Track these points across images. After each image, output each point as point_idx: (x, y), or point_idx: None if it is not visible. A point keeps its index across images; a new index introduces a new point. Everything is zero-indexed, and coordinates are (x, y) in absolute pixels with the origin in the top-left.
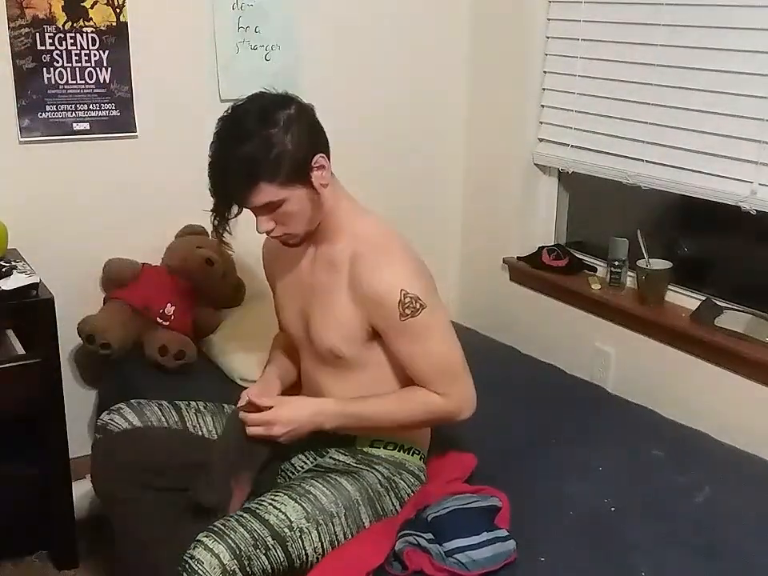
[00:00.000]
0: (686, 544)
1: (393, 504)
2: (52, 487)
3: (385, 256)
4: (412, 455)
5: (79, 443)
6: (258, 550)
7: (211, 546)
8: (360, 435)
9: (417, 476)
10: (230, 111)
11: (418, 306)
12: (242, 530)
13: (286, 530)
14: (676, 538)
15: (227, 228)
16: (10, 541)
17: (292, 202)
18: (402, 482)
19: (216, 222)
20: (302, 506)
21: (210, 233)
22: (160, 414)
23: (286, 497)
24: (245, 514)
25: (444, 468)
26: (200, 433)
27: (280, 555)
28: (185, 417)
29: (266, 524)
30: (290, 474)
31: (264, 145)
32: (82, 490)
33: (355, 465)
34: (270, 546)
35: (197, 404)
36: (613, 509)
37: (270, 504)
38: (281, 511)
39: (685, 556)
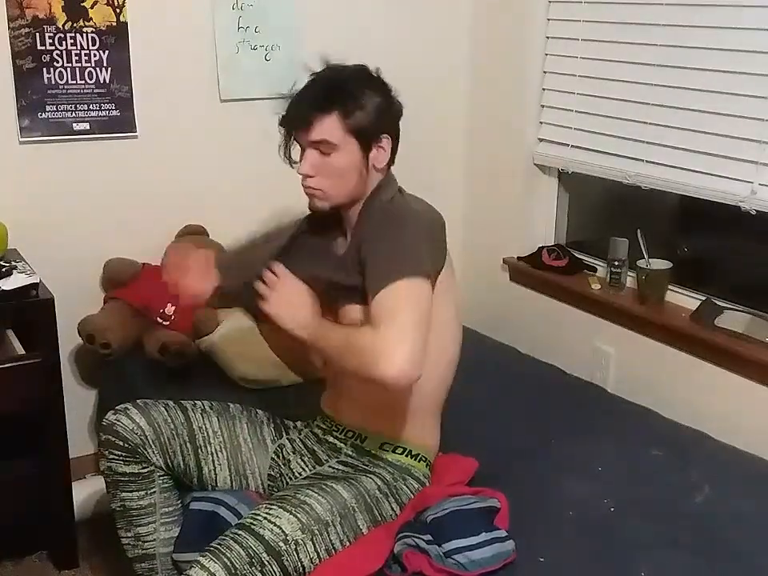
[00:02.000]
0: (685, 544)
1: (392, 509)
2: (52, 487)
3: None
4: (419, 461)
5: (79, 443)
6: (253, 567)
7: (207, 566)
8: (371, 436)
9: (421, 482)
10: (334, 63)
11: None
12: (237, 547)
13: (281, 543)
14: (676, 538)
15: (289, 154)
16: (10, 541)
17: (342, 156)
18: (405, 487)
19: (282, 149)
20: (297, 518)
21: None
22: (166, 414)
23: (281, 509)
24: (240, 531)
25: (445, 471)
26: (206, 434)
27: (276, 570)
28: (191, 418)
29: (261, 539)
30: (288, 480)
31: (355, 89)
32: (81, 490)
33: (353, 473)
34: (265, 561)
35: (202, 404)
36: (612, 509)
37: (265, 518)
38: (275, 524)
39: (684, 556)
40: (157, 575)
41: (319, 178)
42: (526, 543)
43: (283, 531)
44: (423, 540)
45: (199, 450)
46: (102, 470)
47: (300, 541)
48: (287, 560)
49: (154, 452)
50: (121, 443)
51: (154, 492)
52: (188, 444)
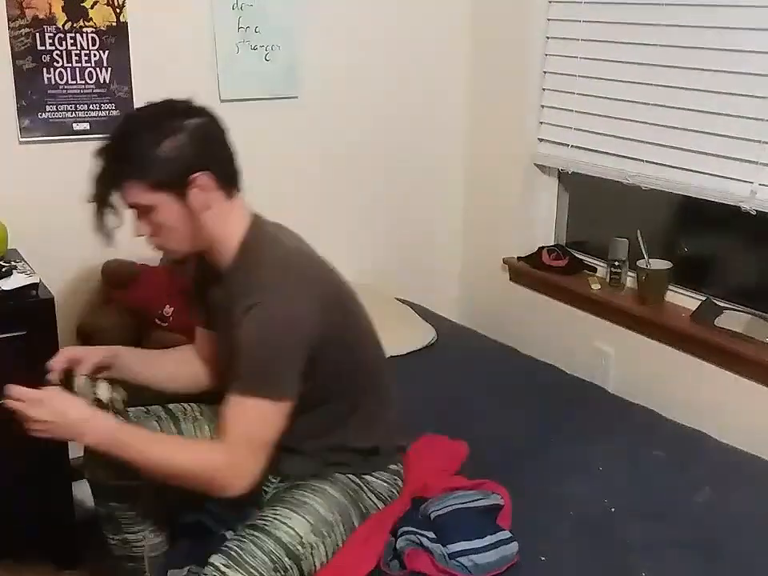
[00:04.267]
0: (686, 544)
1: (371, 500)
2: (52, 487)
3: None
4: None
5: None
6: (277, 573)
7: None
8: None
9: (387, 468)
10: (128, 113)
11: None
12: (260, 554)
13: (299, 547)
14: (676, 538)
15: (107, 231)
16: (10, 541)
17: (162, 212)
18: (372, 478)
19: (95, 217)
20: (306, 519)
21: None
22: (159, 429)
23: (288, 510)
24: (257, 534)
25: (431, 454)
26: None
27: (296, 575)
28: (182, 429)
29: (280, 543)
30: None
31: (141, 143)
32: (81, 490)
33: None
34: (287, 566)
35: (193, 411)
36: (613, 509)
37: (276, 519)
38: (288, 526)
39: (685, 556)
40: (144, 573)
41: (154, 237)
42: (527, 543)
43: (298, 534)
44: (427, 537)
45: None
46: (87, 478)
47: (314, 544)
48: (305, 564)
49: None
50: (109, 459)
51: (142, 503)
52: None
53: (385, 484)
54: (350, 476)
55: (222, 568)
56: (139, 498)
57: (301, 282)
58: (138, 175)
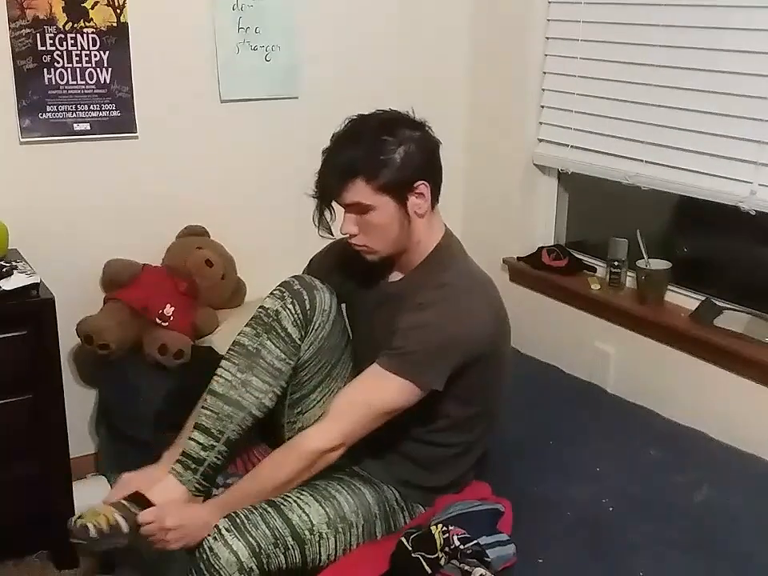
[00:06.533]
0: (684, 544)
1: (406, 521)
2: (52, 487)
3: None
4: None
5: (79, 443)
6: (277, 549)
7: (230, 543)
8: None
9: (434, 502)
10: (356, 115)
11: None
12: (264, 527)
13: (307, 532)
14: (675, 538)
15: (326, 224)
16: (11, 541)
17: (380, 213)
18: (420, 508)
19: (316, 216)
20: (325, 511)
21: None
22: None
23: (311, 498)
24: (269, 509)
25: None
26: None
27: (297, 556)
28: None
29: (288, 523)
30: None
31: (375, 146)
32: (82, 490)
33: (378, 481)
34: (289, 545)
35: None
36: (611, 509)
37: (295, 502)
38: (304, 512)
39: (684, 556)
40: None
41: (362, 235)
42: (525, 544)
43: (311, 520)
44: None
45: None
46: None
47: (324, 535)
48: (309, 549)
49: None
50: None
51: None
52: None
53: (423, 509)
54: (399, 497)
55: (223, 531)
56: None
57: (483, 295)
58: (370, 175)
